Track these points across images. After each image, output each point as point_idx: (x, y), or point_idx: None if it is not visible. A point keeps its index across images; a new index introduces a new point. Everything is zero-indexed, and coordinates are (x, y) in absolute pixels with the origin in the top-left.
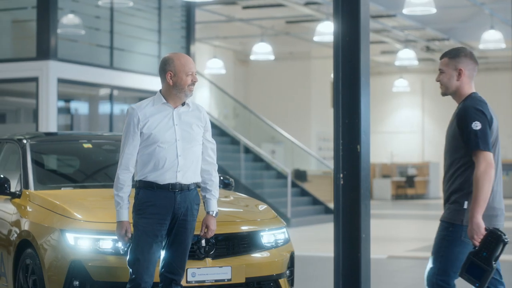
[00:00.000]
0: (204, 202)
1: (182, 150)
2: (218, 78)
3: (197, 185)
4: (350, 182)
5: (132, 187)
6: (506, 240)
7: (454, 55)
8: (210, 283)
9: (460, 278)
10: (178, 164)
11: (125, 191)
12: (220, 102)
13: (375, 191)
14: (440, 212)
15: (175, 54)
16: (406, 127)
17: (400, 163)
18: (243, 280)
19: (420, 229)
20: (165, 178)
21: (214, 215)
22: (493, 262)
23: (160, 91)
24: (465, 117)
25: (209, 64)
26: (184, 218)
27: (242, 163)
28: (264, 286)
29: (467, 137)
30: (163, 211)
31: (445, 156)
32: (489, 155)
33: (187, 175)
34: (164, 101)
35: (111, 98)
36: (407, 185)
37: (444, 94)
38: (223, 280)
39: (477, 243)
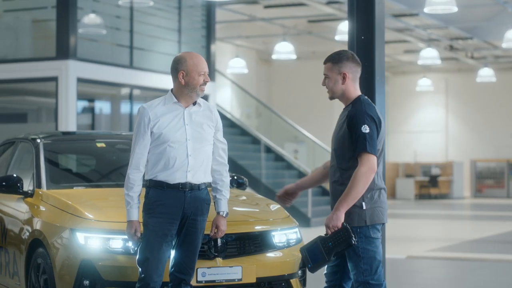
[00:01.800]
0: (214, 202)
1: (193, 149)
2: (240, 77)
3: (208, 185)
4: None
5: (143, 186)
6: (353, 242)
7: (337, 59)
8: (220, 283)
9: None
10: (188, 163)
11: (135, 191)
12: (243, 102)
13: (398, 191)
14: (464, 212)
15: (188, 53)
16: (430, 126)
17: (423, 162)
18: (254, 280)
19: (442, 229)
20: (175, 177)
21: (224, 215)
22: (333, 256)
23: (172, 90)
24: (356, 120)
25: (231, 63)
26: (194, 217)
27: (263, 163)
28: (275, 286)
29: (356, 139)
30: (172, 210)
31: (332, 158)
32: (373, 159)
33: (197, 175)
34: (175, 100)
35: (131, 97)
36: (430, 185)
37: (331, 98)
38: (234, 280)
39: (329, 232)
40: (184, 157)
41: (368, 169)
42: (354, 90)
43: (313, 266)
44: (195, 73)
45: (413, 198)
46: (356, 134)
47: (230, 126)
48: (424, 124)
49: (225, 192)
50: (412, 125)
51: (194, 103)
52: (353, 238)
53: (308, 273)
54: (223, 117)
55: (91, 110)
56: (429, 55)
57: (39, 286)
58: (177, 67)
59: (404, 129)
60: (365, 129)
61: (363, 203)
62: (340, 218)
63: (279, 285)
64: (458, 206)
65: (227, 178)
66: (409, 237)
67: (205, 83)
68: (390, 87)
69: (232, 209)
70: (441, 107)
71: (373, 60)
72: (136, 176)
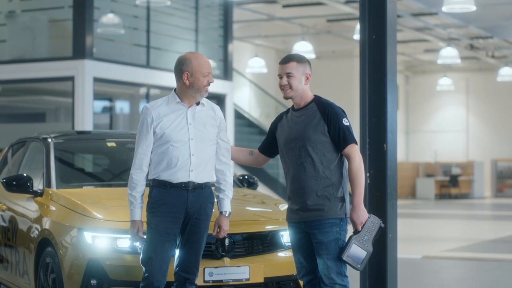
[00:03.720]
0: (217, 202)
1: (195, 149)
2: (259, 77)
3: (212, 185)
4: (377, 181)
5: (146, 185)
6: (382, 225)
7: (301, 60)
8: (227, 283)
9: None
10: (191, 163)
11: (138, 191)
12: (262, 101)
13: (418, 191)
14: (484, 212)
15: (192, 53)
16: (450, 126)
17: (444, 162)
18: (261, 280)
19: (461, 229)
20: (177, 177)
21: (227, 215)
22: (372, 244)
23: (175, 90)
24: (336, 115)
25: (250, 63)
26: (197, 217)
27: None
28: (283, 286)
29: (341, 132)
30: (175, 209)
31: (303, 155)
32: (358, 148)
33: (200, 174)
34: (179, 100)
35: (147, 97)
36: (451, 185)
37: (288, 97)
38: (241, 280)
39: (360, 228)
40: (186, 157)
41: (360, 157)
42: (310, 91)
43: (362, 265)
44: (200, 74)
45: (433, 198)
46: (340, 128)
47: (248, 126)
48: (444, 123)
49: (228, 192)
50: (432, 124)
51: (198, 103)
52: (380, 220)
53: None
54: (241, 116)
55: (109, 109)
56: (449, 54)
57: (48, 285)
58: (182, 68)
59: (424, 128)
60: (346, 122)
61: (345, 196)
62: (365, 212)
63: (287, 285)
64: (479, 206)
65: (230, 178)
66: (427, 237)
67: (209, 84)
68: (410, 86)
69: (240, 209)
70: (461, 106)
71: (385, 59)
72: (139, 176)
